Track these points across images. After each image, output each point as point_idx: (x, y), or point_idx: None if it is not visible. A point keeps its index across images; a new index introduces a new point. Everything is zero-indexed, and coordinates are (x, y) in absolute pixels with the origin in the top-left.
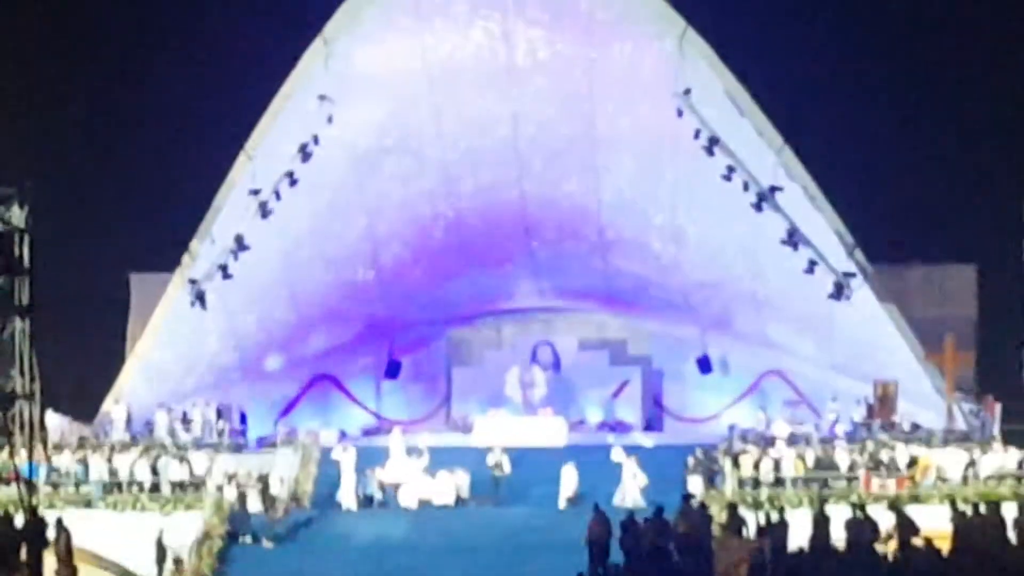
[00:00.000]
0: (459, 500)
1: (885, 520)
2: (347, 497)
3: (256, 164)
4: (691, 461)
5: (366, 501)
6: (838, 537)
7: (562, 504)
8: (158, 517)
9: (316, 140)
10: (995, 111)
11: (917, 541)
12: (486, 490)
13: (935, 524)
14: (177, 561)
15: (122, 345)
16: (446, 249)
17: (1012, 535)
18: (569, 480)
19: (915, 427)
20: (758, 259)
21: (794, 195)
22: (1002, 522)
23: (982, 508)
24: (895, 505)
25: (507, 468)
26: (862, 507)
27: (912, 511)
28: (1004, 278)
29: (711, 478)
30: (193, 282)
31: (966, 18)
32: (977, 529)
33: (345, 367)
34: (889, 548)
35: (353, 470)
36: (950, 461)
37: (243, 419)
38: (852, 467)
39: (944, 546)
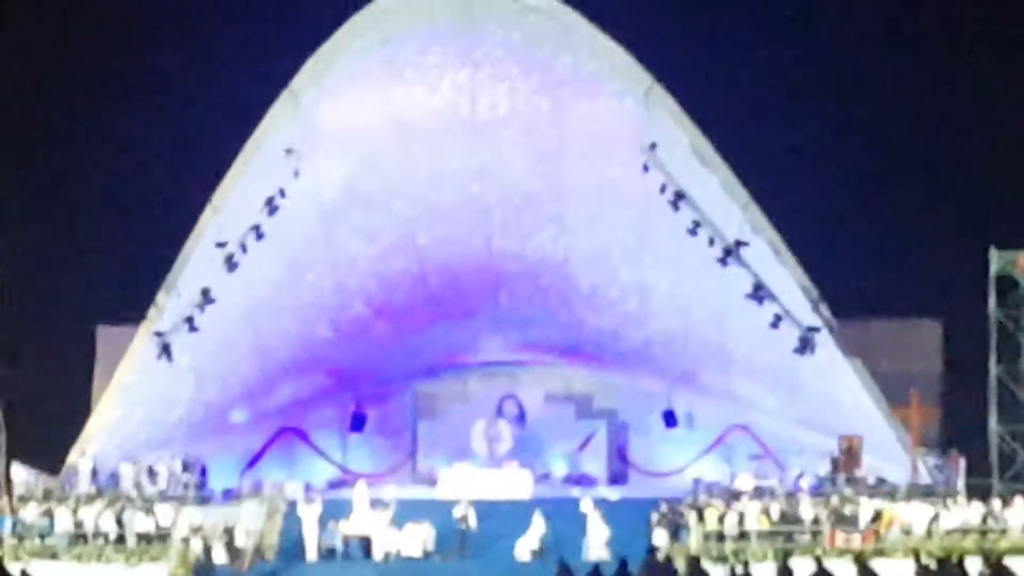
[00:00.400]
0: (425, 553)
1: (849, 574)
2: (310, 550)
3: (222, 217)
4: (656, 515)
5: (329, 554)
6: None
7: (527, 556)
8: (123, 569)
9: (283, 193)
10: (960, 167)
11: None
12: (452, 543)
13: None
14: None
15: (88, 397)
16: (412, 303)
17: None
18: (536, 528)
19: (880, 481)
20: (724, 313)
21: (760, 250)
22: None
23: (945, 562)
24: (859, 559)
25: (473, 522)
26: (818, 560)
27: (877, 565)
28: (969, 333)
29: (676, 531)
30: (159, 335)
31: (929, 76)
32: None
33: (311, 420)
34: None
35: (317, 523)
36: (914, 515)
37: (203, 472)
38: (816, 521)
39: None
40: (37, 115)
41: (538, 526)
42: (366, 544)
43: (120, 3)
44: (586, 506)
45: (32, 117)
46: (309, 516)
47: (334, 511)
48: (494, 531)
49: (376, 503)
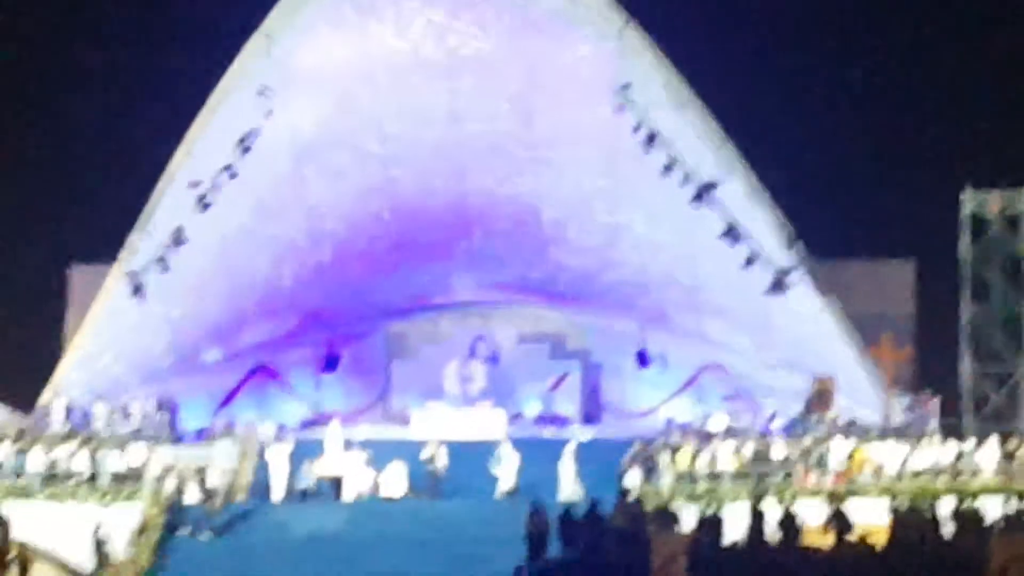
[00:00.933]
0: (398, 494)
1: (822, 515)
2: (277, 490)
3: (195, 157)
4: (629, 455)
5: (301, 494)
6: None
7: (501, 495)
8: (97, 509)
9: (256, 133)
10: (934, 107)
11: (851, 536)
12: (424, 483)
13: (871, 519)
14: (115, 553)
15: (60, 337)
16: (385, 243)
17: (947, 529)
18: (510, 463)
19: (852, 422)
20: (697, 254)
21: (733, 190)
22: (934, 514)
23: (918, 502)
24: (832, 499)
25: (443, 461)
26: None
27: (849, 506)
28: (941, 273)
29: (648, 472)
30: (132, 274)
31: (906, 14)
32: (913, 523)
33: (284, 359)
34: (825, 542)
35: (287, 463)
36: (887, 456)
37: (175, 411)
38: (789, 461)
39: (879, 540)
40: (6, 56)
41: (512, 460)
42: (337, 484)
43: None
44: (505, 449)
45: (4, 59)
46: (278, 456)
47: (306, 451)
48: (467, 471)
49: (350, 444)
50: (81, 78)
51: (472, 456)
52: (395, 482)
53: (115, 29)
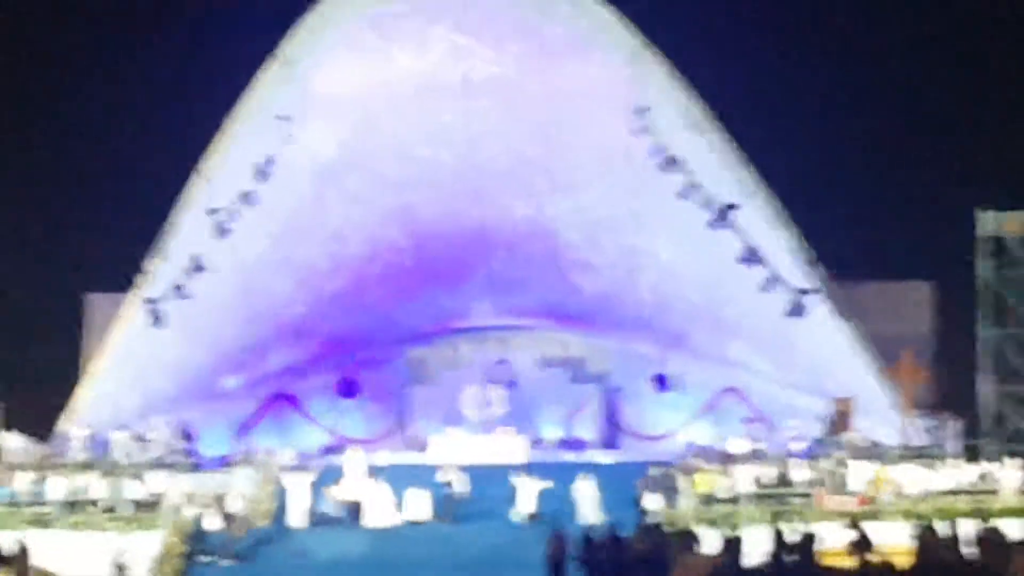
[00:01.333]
0: (418, 519)
1: (843, 537)
2: (294, 517)
3: (213, 183)
4: (644, 479)
5: (322, 519)
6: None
7: (523, 519)
8: (116, 537)
9: (274, 159)
10: (948, 131)
11: (872, 557)
12: (443, 508)
13: (893, 540)
14: None
15: (77, 365)
16: (404, 268)
17: (969, 551)
18: (530, 490)
19: (873, 443)
20: (716, 277)
21: (751, 213)
22: (955, 535)
23: (939, 524)
24: (853, 522)
25: (459, 486)
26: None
27: (870, 528)
28: (958, 294)
29: (668, 495)
30: (150, 301)
31: (920, 41)
32: (935, 545)
33: (303, 386)
34: (847, 563)
35: (309, 490)
36: (908, 477)
37: (191, 438)
38: (809, 484)
39: (902, 561)
40: (26, 82)
41: (531, 488)
42: (357, 510)
43: None
44: (521, 480)
45: (21, 84)
46: (296, 484)
47: (326, 477)
48: (489, 496)
49: (372, 471)
50: (98, 104)
51: (493, 481)
52: (416, 507)
53: (131, 56)
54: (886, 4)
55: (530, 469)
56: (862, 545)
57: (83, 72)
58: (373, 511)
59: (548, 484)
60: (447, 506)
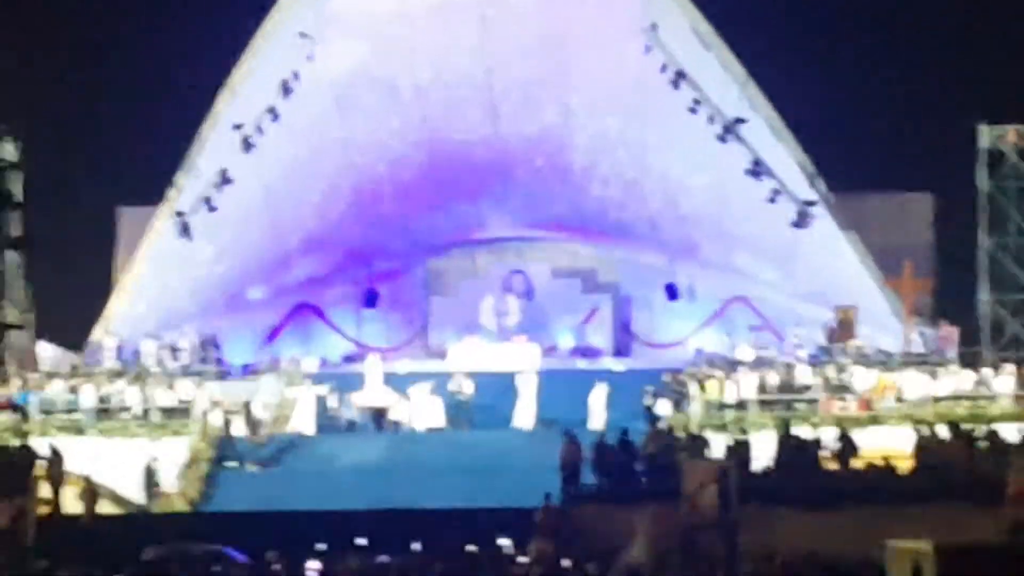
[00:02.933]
0: (435, 424)
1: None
2: (308, 426)
3: (239, 99)
4: (654, 387)
5: (346, 426)
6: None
7: (530, 424)
8: (147, 443)
9: (297, 76)
10: (950, 44)
11: (873, 460)
12: (455, 414)
13: (894, 444)
14: (165, 485)
15: (110, 276)
16: (422, 181)
17: (968, 452)
18: (528, 394)
19: (875, 351)
20: (723, 189)
21: (757, 127)
22: (961, 441)
23: (939, 428)
24: (855, 426)
25: (469, 392)
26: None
27: (872, 431)
28: (959, 206)
29: (678, 401)
30: (179, 214)
31: None
32: (935, 448)
33: (326, 296)
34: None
35: (314, 403)
36: (908, 383)
37: (218, 347)
38: (813, 389)
39: (902, 464)
40: (61, 5)
41: (529, 393)
42: (379, 417)
43: None
44: (522, 380)
45: (57, 7)
46: (308, 394)
47: (349, 384)
48: (502, 403)
49: (390, 379)
50: (130, 24)
51: (507, 388)
52: (431, 412)
53: None
54: None
55: (544, 376)
56: (847, 451)
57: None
58: (393, 417)
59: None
60: (459, 413)
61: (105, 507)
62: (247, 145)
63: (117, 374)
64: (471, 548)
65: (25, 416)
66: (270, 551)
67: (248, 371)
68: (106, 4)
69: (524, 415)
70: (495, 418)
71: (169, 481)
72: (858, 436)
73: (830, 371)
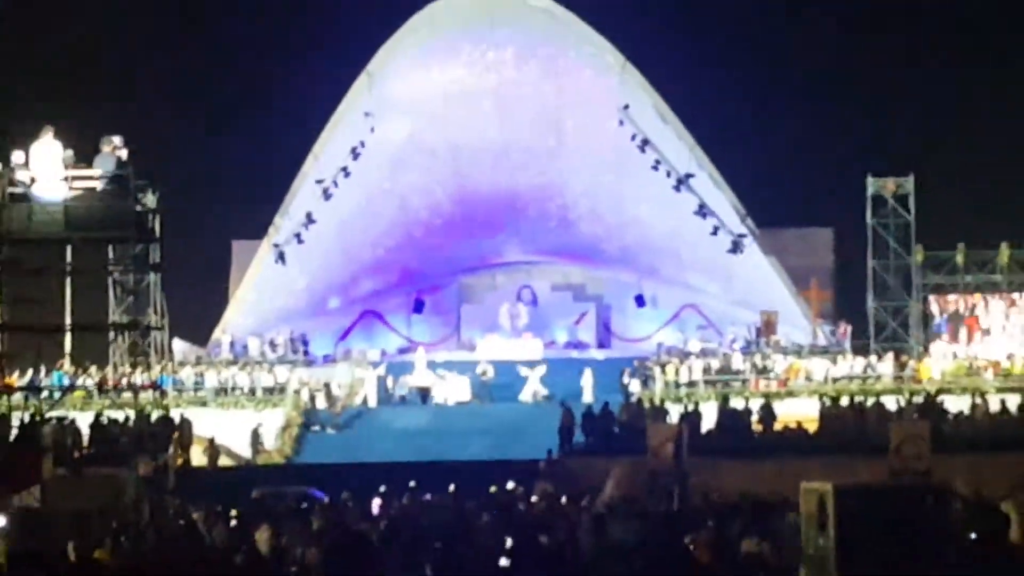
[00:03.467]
0: (466, 400)
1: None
2: (371, 399)
3: (320, 161)
4: (629, 369)
5: (400, 400)
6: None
7: (536, 399)
8: (253, 413)
9: (363, 144)
10: (846, 118)
11: (788, 424)
12: (480, 391)
13: (805, 411)
14: (266, 444)
15: (226, 291)
16: (457, 221)
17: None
18: (533, 376)
19: (790, 343)
20: (678, 226)
21: (703, 179)
22: (854, 409)
23: (838, 400)
24: (776, 398)
25: (491, 374)
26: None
27: (788, 402)
28: (852, 237)
29: (645, 381)
30: (276, 246)
31: (826, 42)
32: (835, 414)
33: (385, 305)
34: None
35: (376, 381)
36: (815, 367)
37: (306, 342)
38: (745, 372)
39: (811, 426)
40: (196, 97)
41: (534, 375)
42: (424, 393)
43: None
44: (526, 370)
45: (192, 98)
46: (371, 376)
47: (402, 369)
48: (516, 382)
49: (431, 365)
50: (239, 103)
51: (519, 372)
52: (462, 390)
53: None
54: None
55: (544, 362)
56: (768, 417)
57: (235, 88)
58: (435, 394)
59: (543, 370)
60: (482, 390)
61: (223, 460)
62: (326, 195)
63: (231, 362)
64: (492, 489)
65: (164, 394)
66: (344, 492)
67: (327, 360)
68: (223, 95)
69: (527, 393)
70: (510, 393)
71: (269, 441)
72: (778, 406)
73: (757, 358)
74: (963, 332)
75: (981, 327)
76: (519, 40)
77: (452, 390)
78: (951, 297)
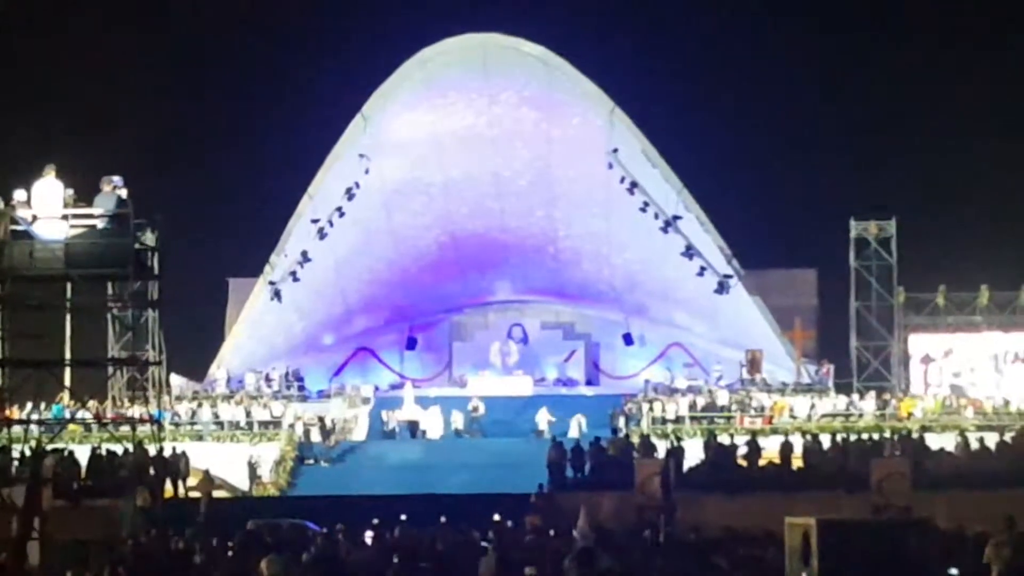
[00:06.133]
0: (457, 432)
1: (756, 445)
2: (361, 432)
3: (315, 202)
4: (619, 405)
5: (388, 435)
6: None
7: (537, 432)
8: (248, 446)
9: (358, 185)
10: (830, 165)
11: (773, 459)
12: (472, 426)
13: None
14: (262, 476)
15: (223, 327)
16: (449, 260)
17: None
18: (543, 417)
19: (775, 381)
20: (665, 266)
21: (690, 221)
22: (837, 446)
23: (821, 437)
24: (760, 435)
25: (482, 410)
26: (731, 436)
27: (773, 439)
28: (836, 278)
29: (633, 417)
30: (272, 283)
31: (809, 92)
32: (818, 450)
33: (378, 342)
34: (762, 463)
35: (368, 416)
36: (799, 404)
37: (301, 378)
38: (730, 408)
39: (796, 462)
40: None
41: (545, 416)
42: (413, 427)
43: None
44: (542, 414)
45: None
46: (364, 413)
47: (393, 404)
48: (506, 418)
49: (421, 400)
50: (233, 147)
51: (509, 407)
52: (454, 424)
53: (261, 111)
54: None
55: (536, 400)
56: (755, 452)
57: (230, 129)
58: (427, 428)
59: (553, 419)
60: (474, 425)
61: (219, 492)
62: (321, 234)
63: (227, 397)
64: (492, 519)
65: (160, 427)
66: (337, 524)
67: (322, 395)
68: (221, 140)
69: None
70: (501, 429)
71: (265, 474)
72: (763, 442)
73: (742, 395)
74: (938, 372)
75: (958, 367)
76: (512, 85)
77: (434, 423)
78: (930, 337)
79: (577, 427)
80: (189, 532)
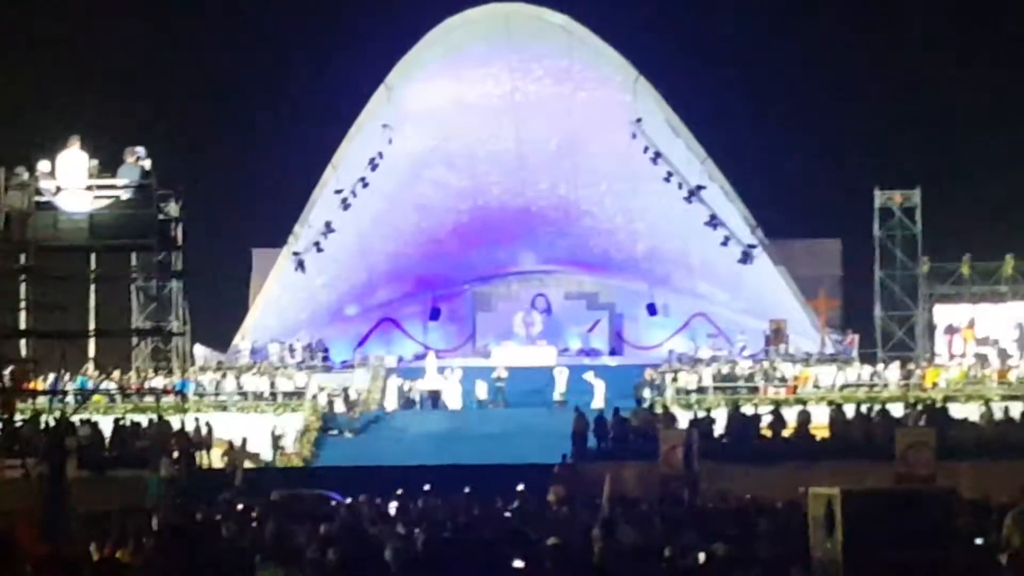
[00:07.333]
0: (479, 403)
1: (780, 415)
2: (390, 403)
3: (339, 172)
4: (643, 376)
5: (410, 404)
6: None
7: (558, 397)
8: (272, 417)
9: (381, 155)
10: (856, 133)
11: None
12: (495, 396)
13: (813, 418)
14: (286, 447)
15: (247, 298)
16: (472, 230)
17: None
18: (560, 382)
19: (799, 351)
20: (689, 236)
21: (714, 191)
22: (861, 416)
23: (845, 407)
24: (784, 405)
25: (505, 375)
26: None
27: (797, 409)
28: (860, 248)
29: (657, 387)
30: (296, 254)
31: (834, 64)
32: (842, 421)
33: (402, 312)
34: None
35: (396, 388)
36: (823, 374)
37: (326, 349)
38: (754, 379)
39: (820, 432)
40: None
41: (562, 381)
42: (435, 397)
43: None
44: (589, 375)
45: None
46: (391, 384)
47: (416, 375)
48: (529, 388)
49: (442, 369)
50: (261, 116)
51: (532, 378)
52: (478, 394)
53: (293, 85)
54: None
55: (562, 367)
56: (779, 423)
57: (262, 98)
58: (450, 397)
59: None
60: (498, 395)
61: (243, 463)
62: (345, 205)
63: (250, 368)
64: (512, 489)
65: (184, 398)
66: (361, 495)
67: (345, 365)
68: (244, 110)
69: (557, 394)
70: (524, 399)
71: (289, 444)
72: (786, 412)
73: (766, 365)
74: (962, 342)
75: (981, 337)
76: (535, 54)
77: (453, 392)
78: (954, 307)
79: (601, 396)
80: (221, 499)
